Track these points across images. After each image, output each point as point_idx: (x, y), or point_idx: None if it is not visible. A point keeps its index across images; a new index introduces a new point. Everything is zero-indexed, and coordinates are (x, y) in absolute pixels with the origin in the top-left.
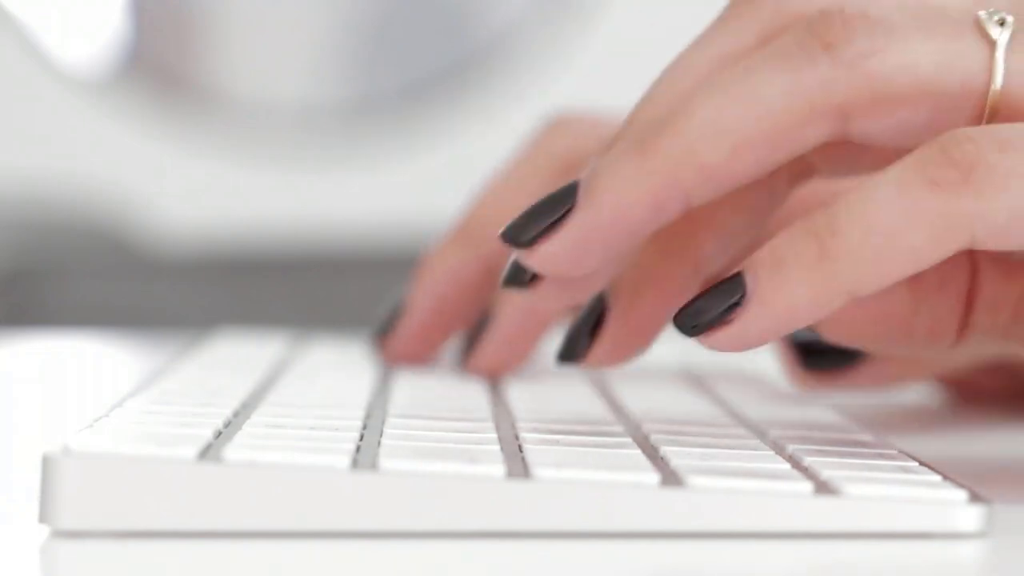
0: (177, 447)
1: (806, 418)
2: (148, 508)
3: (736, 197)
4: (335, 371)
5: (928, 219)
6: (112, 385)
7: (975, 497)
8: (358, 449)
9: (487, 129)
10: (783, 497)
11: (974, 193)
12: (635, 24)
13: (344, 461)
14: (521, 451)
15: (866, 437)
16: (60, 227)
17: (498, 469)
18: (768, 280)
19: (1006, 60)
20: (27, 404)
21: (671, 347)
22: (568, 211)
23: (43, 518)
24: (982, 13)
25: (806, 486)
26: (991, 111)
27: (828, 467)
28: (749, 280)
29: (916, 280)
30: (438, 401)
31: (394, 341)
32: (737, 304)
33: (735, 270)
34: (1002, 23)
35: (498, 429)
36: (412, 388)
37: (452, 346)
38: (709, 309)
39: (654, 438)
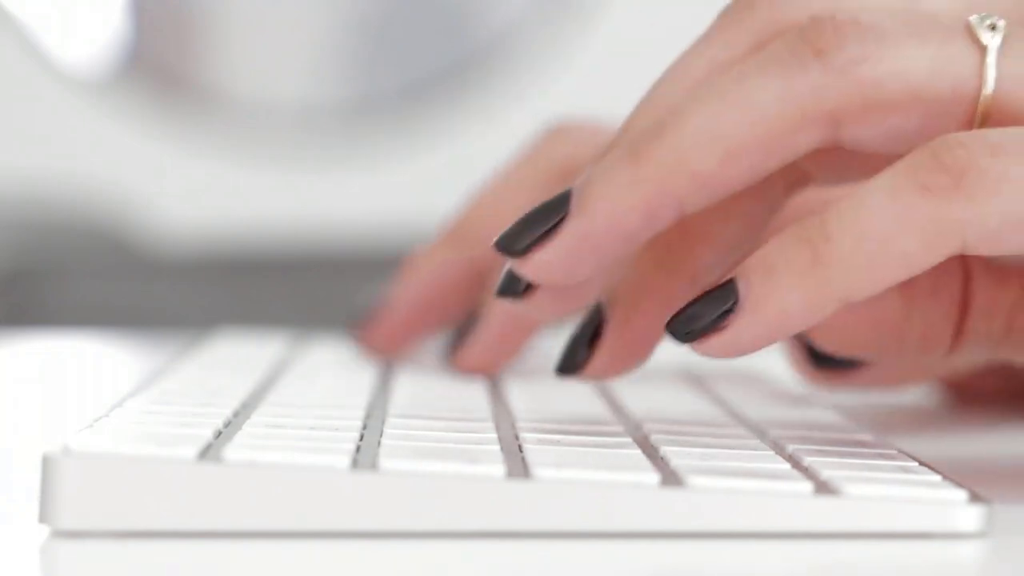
0: (177, 447)
1: (806, 418)
2: (148, 508)
3: (732, 206)
4: (335, 371)
5: (920, 224)
6: (112, 385)
7: (975, 497)
8: (358, 449)
9: (487, 129)
10: (783, 497)
11: (965, 198)
12: (635, 24)
13: (344, 461)
14: (521, 451)
15: (866, 437)
16: (60, 227)
17: (498, 469)
18: (760, 286)
19: (997, 65)
20: (27, 404)
21: (671, 347)
22: (562, 219)
23: (43, 518)
24: (973, 18)
25: (806, 486)
26: (982, 116)
27: (828, 467)
28: (741, 286)
29: (909, 288)
30: (438, 401)
31: (371, 332)
32: (730, 311)
33: (727, 276)
34: (993, 28)
35: (498, 429)
36: (412, 388)
37: (436, 343)
38: (702, 316)
39: (654, 438)
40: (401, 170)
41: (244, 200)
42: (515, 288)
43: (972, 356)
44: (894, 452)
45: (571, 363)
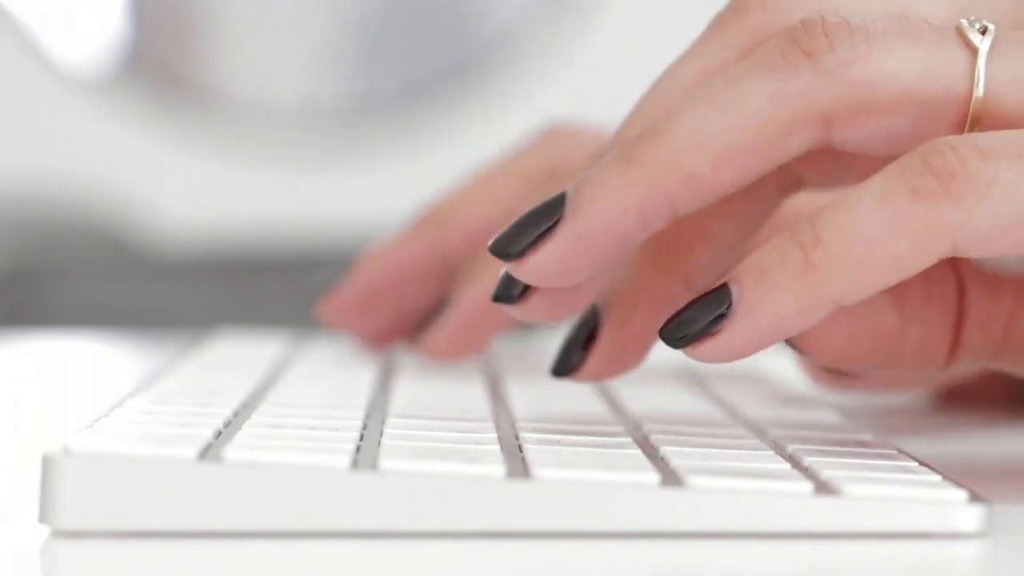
0: (177, 447)
1: (806, 418)
2: (148, 508)
3: (726, 208)
4: (335, 371)
5: (910, 228)
6: (112, 385)
7: (975, 497)
8: (358, 449)
9: (487, 129)
10: (783, 497)
11: (955, 202)
12: (635, 24)
13: (344, 461)
14: (521, 451)
15: (866, 437)
16: (60, 227)
17: (498, 469)
18: (753, 290)
19: (988, 68)
20: (27, 404)
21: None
22: (557, 222)
23: (43, 518)
24: (964, 21)
25: (806, 486)
26: (973, 119)
27: (828, 467)
28: (734, 291)
29: (904, 301)
30: (438, 401)
31: (328, 305)
32: (723, 315)
33: (720, 281)
34: (984, 31)
35: (498, 429)
36: (412, 388)
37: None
38: (695, 320)
39: (654, 438)
40: (401, 170)
41: (244, 200)
42: (511, 293)
43: (969, 367)
44: (894, 452)
45: (565, 365)
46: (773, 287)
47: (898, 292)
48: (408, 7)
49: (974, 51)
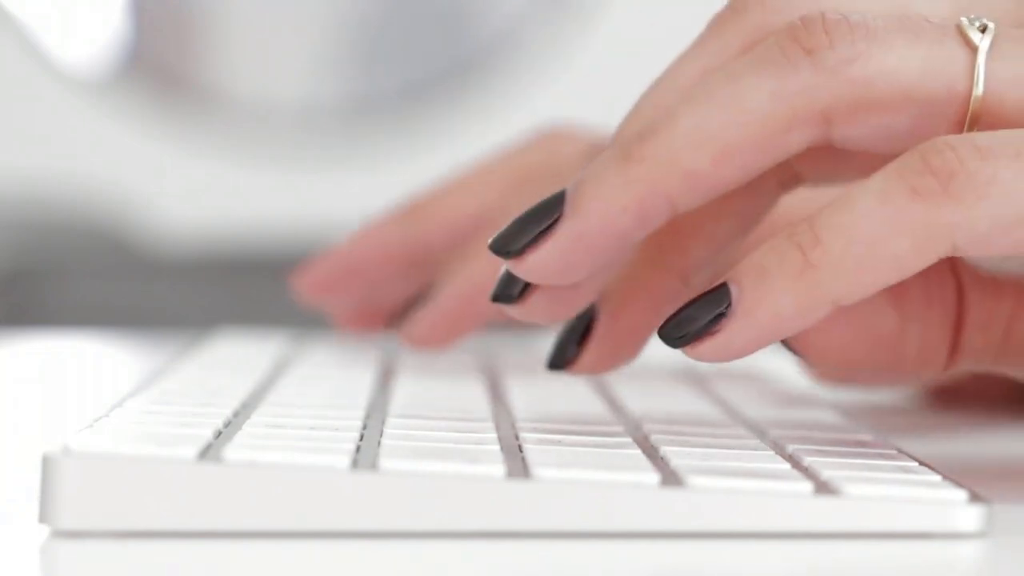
0: (177, 447)
1: (806, 418)
2: (148, 508)
3: (723, 204)
4: (335, 371)
5: (909, 227)
6: (112, 385)
7: (975, 497)
8: (358, 449)
9: (487, 129)
10: (783, 497)
11: (954, 201)
12: (635, 24)
13: (344, 461)
14: (521, 451)
15: (866, 437)
16: (60, 227)
17: (498, 469)
18: (752, 290)
19: (988, 66)
20: (27, 404)
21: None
22: (556, 220)
23: (43, 518)
24: (964, 19)
25: (806, 486)
26: (973, 117)
27: (828, 467)
28: (734, 291)
29: (902, 301)
30: (438, 401)
31: (301, 278)
32: (722, 315)
33: (719, 281)
34: (983, 29)
35: (498, 429)
36: (412, 388)
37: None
38: (694, 320)
39: (654, 438)
40: (401, 170)
41: (244, 200)
42: (511, 292)
43: (969, 370)
44: (894, 452)
45: (561, 358)
46: (772, 287)
47: (897, 294)
48: (408, 7)
49: (974, 49)
